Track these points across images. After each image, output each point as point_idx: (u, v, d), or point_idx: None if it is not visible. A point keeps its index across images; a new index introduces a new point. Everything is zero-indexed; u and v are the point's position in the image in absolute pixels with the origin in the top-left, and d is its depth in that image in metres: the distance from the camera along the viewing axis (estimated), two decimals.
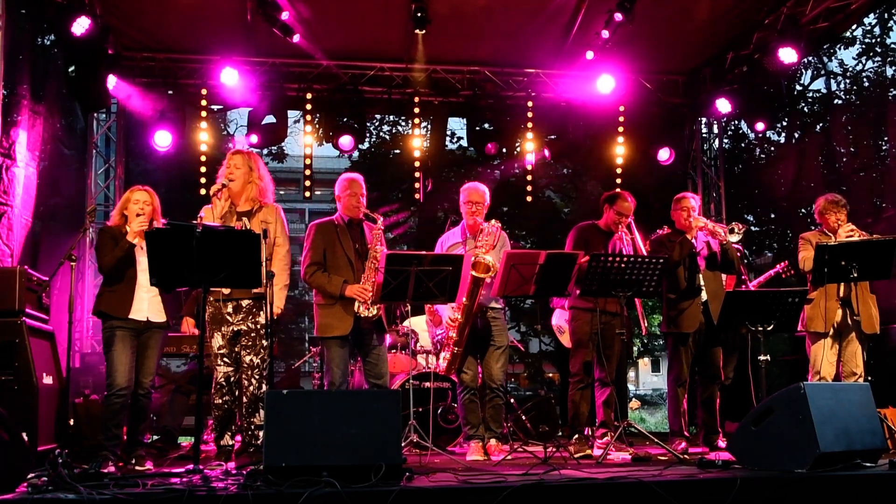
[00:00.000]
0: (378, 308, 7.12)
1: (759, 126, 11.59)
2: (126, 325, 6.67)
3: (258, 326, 6.76)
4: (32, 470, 5.09)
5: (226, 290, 6.70)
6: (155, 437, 8.95)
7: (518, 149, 12.23)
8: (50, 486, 4.80)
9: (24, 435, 5.80)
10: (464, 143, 19.64)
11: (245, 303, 6.76)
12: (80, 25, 9.14)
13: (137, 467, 6.63)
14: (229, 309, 6.73)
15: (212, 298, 6.71)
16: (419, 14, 9.61)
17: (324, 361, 7.35)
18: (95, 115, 11.32)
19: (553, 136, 12.28)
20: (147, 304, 6.73)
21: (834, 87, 20.79)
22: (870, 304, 7.91)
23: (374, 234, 7.22)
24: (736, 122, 18.64)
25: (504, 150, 11.85)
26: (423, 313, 9.45)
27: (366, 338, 7.26)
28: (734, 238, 7.88)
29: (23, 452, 5.30)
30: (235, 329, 6.75)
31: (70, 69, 9.53)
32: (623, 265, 7.11)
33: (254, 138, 11.44)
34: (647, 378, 40.61)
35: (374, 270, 6.96)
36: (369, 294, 6.96)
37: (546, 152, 12.39)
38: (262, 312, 6.76)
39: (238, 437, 7.04)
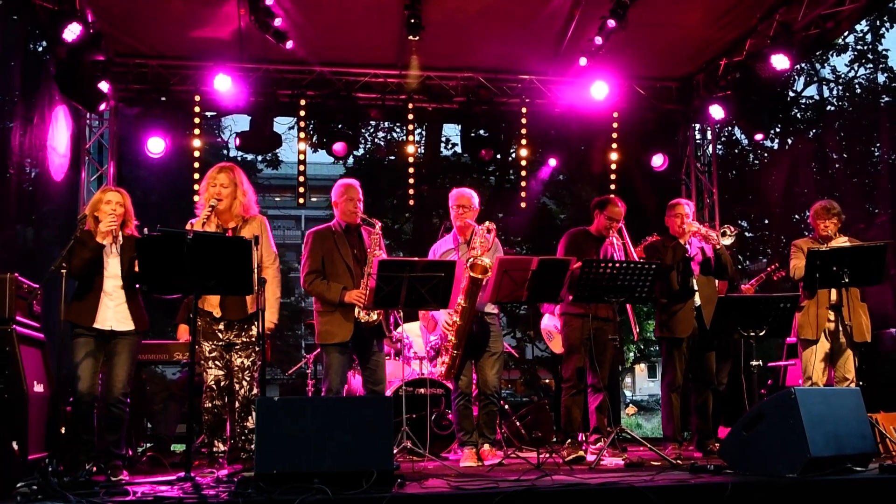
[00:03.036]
0: (378, 313, 7.12)
1: (758, 136, 11.61)
2: (89, 334, 6.64)
3: (251, 338, 6.73)
4: (22, 479, 5.04)
5: (217, 314, 6.67)
6: (148, 445, 8.94)
7: (513, 155, 12.25)
8: (40, 495, 4.79)
9: (13, 444, 5.79)
10: (458, 149, 19.68)
11: (235, 324, 6.73)
12: (72, 31, 9.10)
13: (112, 478, 6.50)
14: (221, 326, 6.70)
15: (201, 314, 6.63)
16: (413, 20, 9.58)
17: (323, 368, 7.32)
18: (88, 121, 11.27)
19: (540, 150, 12.31)
20: (112, 313, 6.68)
21: (826, 93, 20.87)
22: (860, 313, 7.96)
23: (372, 238, 7.23)
24: (729, 128, 18.66)
25: (498, 156, 11.84)
26: (416, 319, 9.44)
27: (367, 344, 7.26)
28: (727, 241, 7.90)
29: (12, 461, 5.28)
30: (226, 343, 6.72)
31: (57, 77, 9.54)
32: (615, 271, 7.12)
33: (237, 141, 11.44)
34: (644, 384, 40.59)
35: (371, 276, 6.96)
36: (365, 299, 6.96)
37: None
38: (253, 327, 6.72)
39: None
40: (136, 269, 6.49)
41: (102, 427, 6.77)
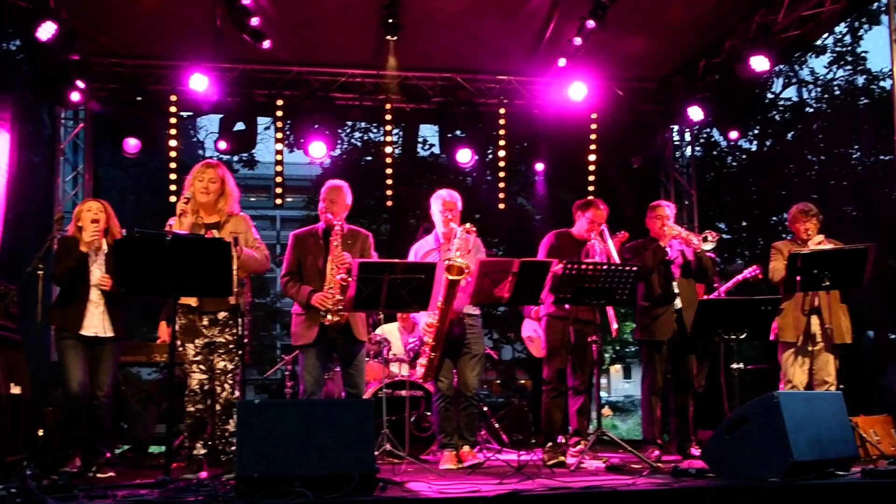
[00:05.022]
0: (342, 316, 7.04)
1: (733, 135, 11.62)
2: (76, 338, 6.79)
3: (235, 338, 6.66)
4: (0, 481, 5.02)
5: (194, 303, 6.59)
6: (125, 447, 8.88)
7: (490, 156, 12.22)
8: (18, 499, 4.75)
9: None
10: (436, 149, 19.64)
11: (221, 315, 6.65)
12: (46, 31, 9.03)
13: (99, 475, 6.70)
14: (205, 322, 6.63)
15: (183, 310, 6.59)
16: (390, 20, 9.56)
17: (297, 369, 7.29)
18: (63, 121, 11.20)
19: (517, 148, 12.29)
20: (97, 320, 6.85)
21: (805, 95, 20.91)
22: (840, 314, 7.89)
23: (332, 240, 7.12)
24: (708, 129, 18.70)
25: (476, 157, 11.80)
26: (395, 321, 9.39)
27: (340, 346, 7.22)
28: (708, 246, 7.88)
29: None
30: (209, 341, 6.65)
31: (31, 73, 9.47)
32: (597, 273, 7.10)
33: (222, 144, 11.35)
34: (619, 385, 40.72)
35: (334, 277, 6.94)
36: (329, 302, 6.91)
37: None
38: (238, 324, 6.68)
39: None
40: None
41: (88, 427, 6.89)
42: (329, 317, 6.97)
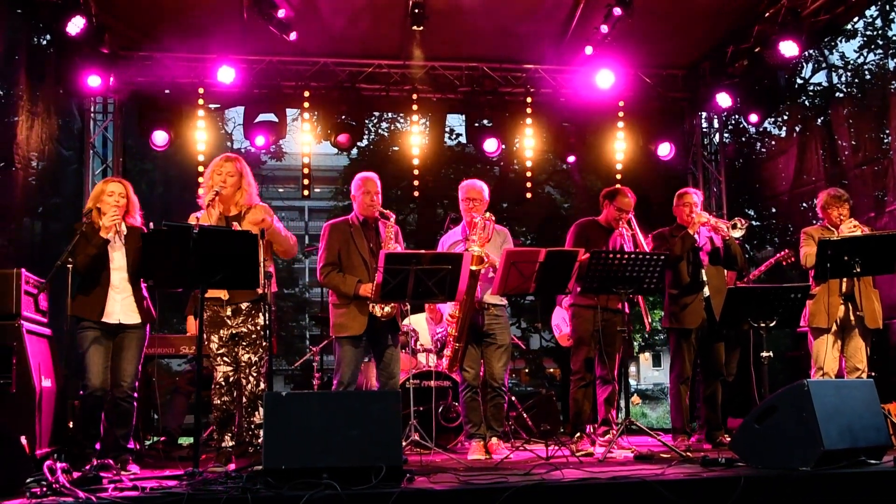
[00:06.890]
0: (392, 307, 7.10)
1: (753, 118, 11.53)
2: (98, 327, 6.57)
3: (258, 328, 6.71)
4: (31, 474, 5.06)
5: (224, 296, 6.62)
6: (156, 438, 8.94)
7: (517, 145, 12.18)
8: (48, 491, 4.79)
9: (23, 439, 5.79)
10: (463, 139, 19.56)
11: (244, 306, 6.70)
12: (75, 25, 9.10)
13: (122, 471, 6.53)
14: (228, 312, 6.68)
15: (209, 303, 6.61)
16: (416, 10, 9.56)
17: (335, 360, 7.29)
18: (92, 115, 11.25)
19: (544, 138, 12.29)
20: (119, 306, 6.62)
21: (835, 80, 20.65)
22: (873, 298, 7.83)
23: (387, 231, 7.22)
24: (736, 116, 18.54)
25: (503, 146, 11.78)
26: (423, 311, 9.40)
27: (381, 337, 7.25)
28: (737, 234, 7.82)
29: (21, 457, 5.27)
30: (234, 332, 6.70)
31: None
32: (624, 262, 7.05)
33: (260, 140, 11.37)
34: (649, 373, 40.54)
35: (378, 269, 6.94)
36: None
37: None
38: (260, 314, 6.69)
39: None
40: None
41: (111, 421, 6.74)
42: (377, 309, 7.02)
